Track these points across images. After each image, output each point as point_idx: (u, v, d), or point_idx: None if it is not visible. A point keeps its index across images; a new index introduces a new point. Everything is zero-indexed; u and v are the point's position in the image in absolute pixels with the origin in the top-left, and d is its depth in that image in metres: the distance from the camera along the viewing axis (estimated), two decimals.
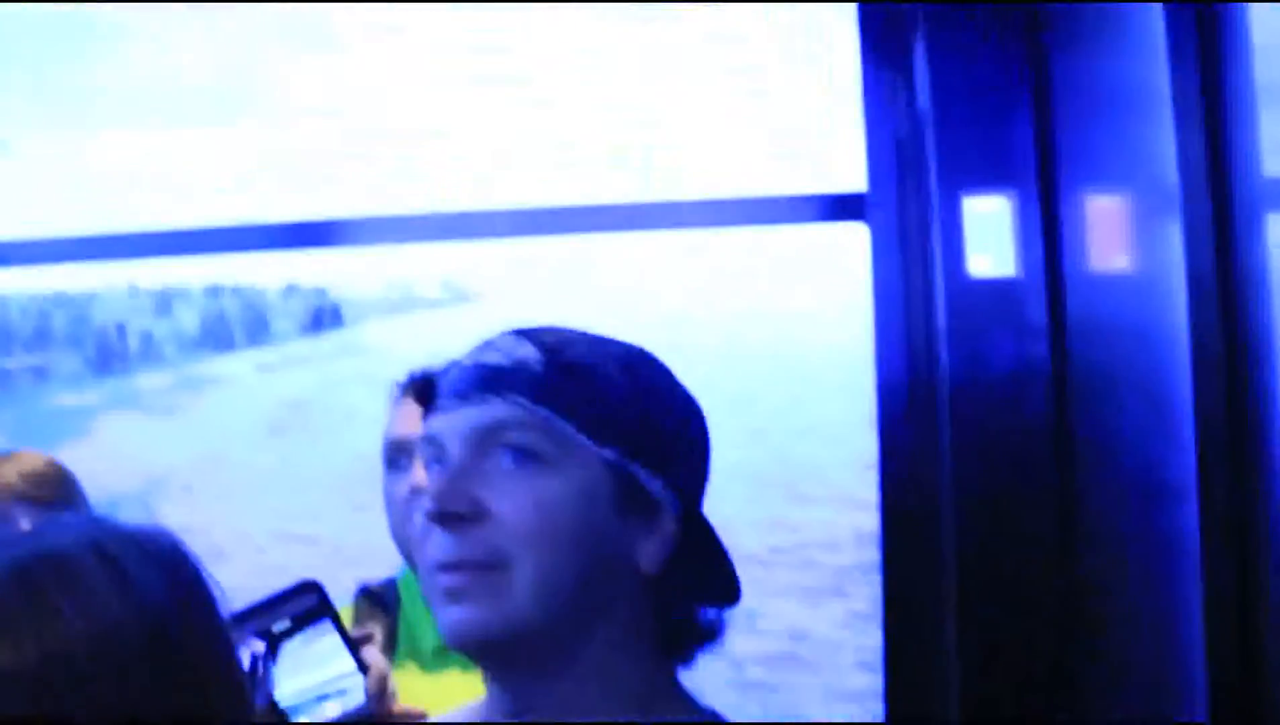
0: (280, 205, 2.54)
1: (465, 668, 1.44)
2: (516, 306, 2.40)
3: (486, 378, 0.89)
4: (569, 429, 0.87)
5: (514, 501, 0.86)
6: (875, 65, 2.30)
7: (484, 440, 0.88)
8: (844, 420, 2.22)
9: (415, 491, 1.44)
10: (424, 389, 0.96)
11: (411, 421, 1.49)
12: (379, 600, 1.63)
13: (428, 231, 2.44)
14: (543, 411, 0.87)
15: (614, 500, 0.88)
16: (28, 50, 2.25)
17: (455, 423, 0.89)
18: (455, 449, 0.89)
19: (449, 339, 1.69)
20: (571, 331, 0.95)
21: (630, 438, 0.89)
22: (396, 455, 1.55)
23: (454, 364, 0.93)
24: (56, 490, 1.76)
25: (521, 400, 0.87)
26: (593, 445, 0.87)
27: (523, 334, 0.92)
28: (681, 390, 0.96)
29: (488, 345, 0.93)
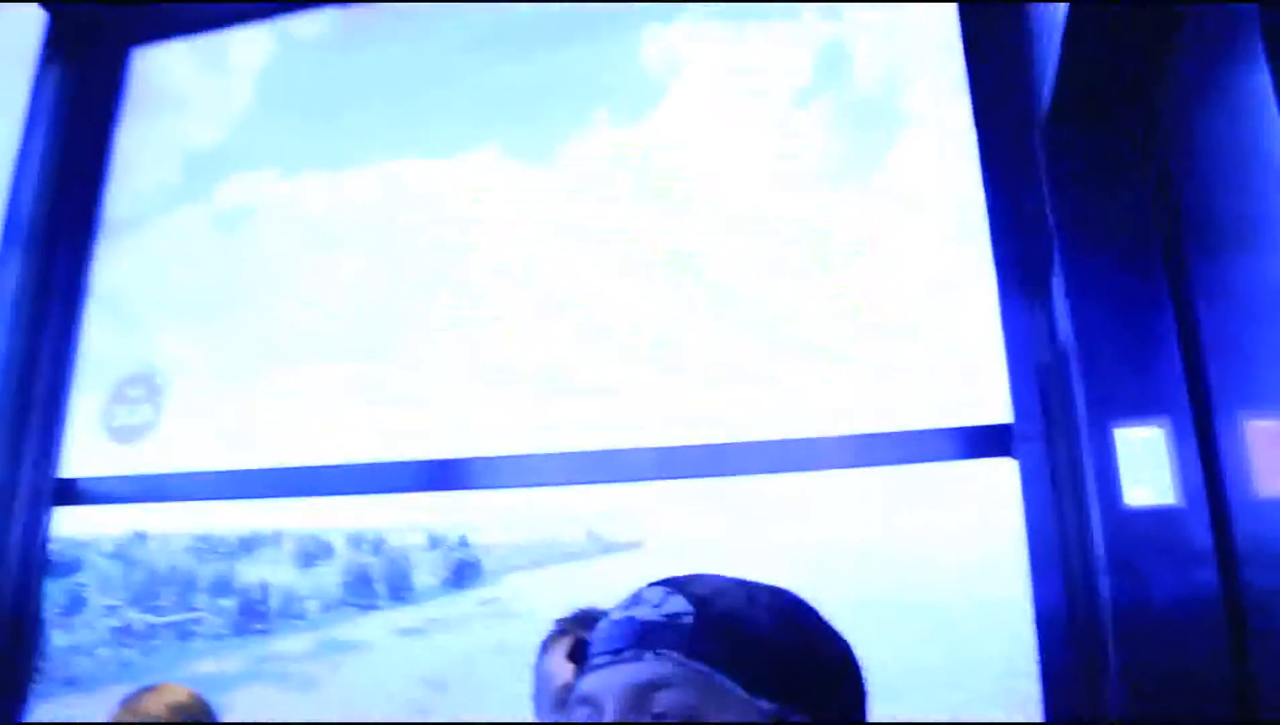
0: (426, 448, 2.66)
1: None
2: (662, 552, 2.39)
3: (639, 633, 0.91)
4: (724, 682, 0.87)
5: None
6: (1013, 298, 2.30)
7: (640, 698, 0.88)
8: (1001, 661, 2.06)
9: None
10: (576, 649, 1.00)
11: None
12: None
13: (574, 471, 2.50)
14: (697, 666, 0.88)
15: None
16: (187, 298, 2.61)
17: (610, 681, 0.90)
18: (611, 707, 0.89)
19: (593, 592, 1.74)
20: (719, 579, 0.96)
21: (784, 686, 0.88)
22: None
23: (605, 618, 0.95)
24: (200, 721, 1.90)
25: (675, 655, 0.88)
26: (748, 697, 0.87)
27: (672, 585, 0.94)
28: (832, 633, 0.97)
29: (637, 598, 0.95)
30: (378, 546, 2.93)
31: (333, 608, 2.82)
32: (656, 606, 0.91)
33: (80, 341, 2.92)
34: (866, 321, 2.43)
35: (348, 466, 2.63)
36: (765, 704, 0.87)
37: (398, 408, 2.66)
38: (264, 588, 2.73)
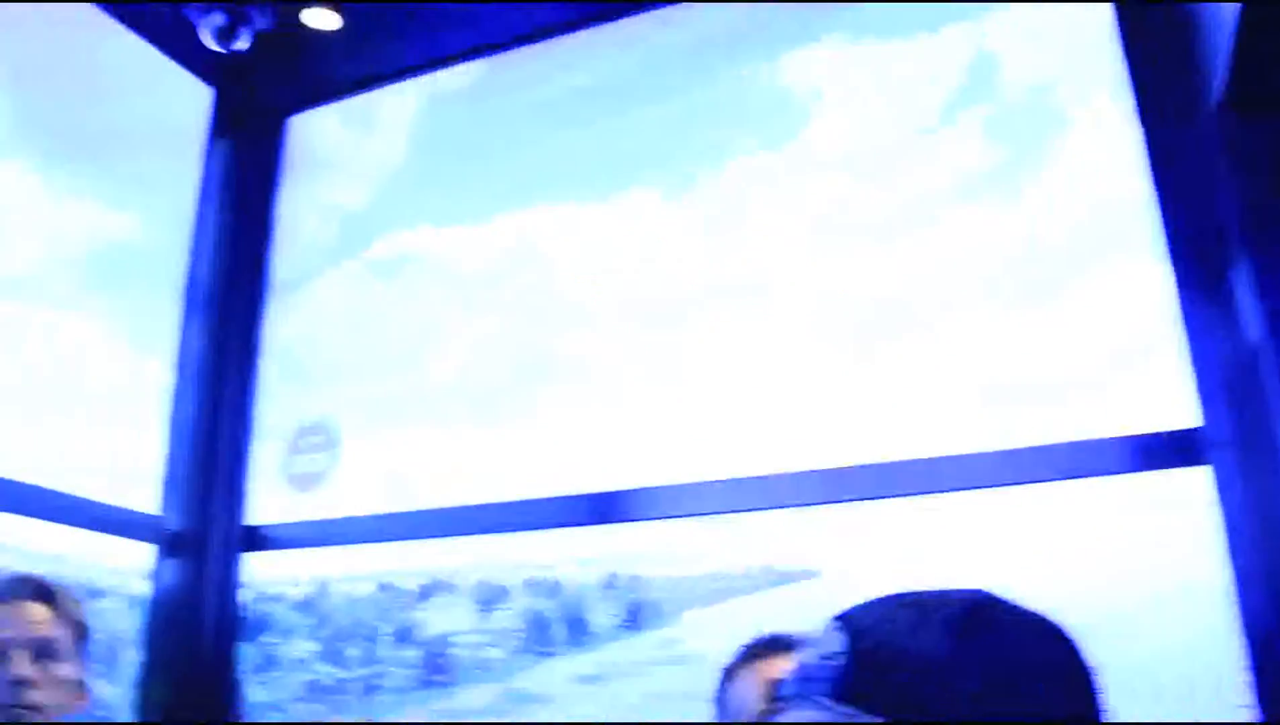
0: (593, 482, 2.69)
1: None
2: (840, 580, 2.37)
3: (800, 680, 0.89)
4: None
5: None
6: (1192, 297, 2.21)
7: None
8: (1206, 677, 1.96)
9: None
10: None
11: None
12: None
13: (743, 497, 2.49)
14: (844, 711, 0.84)
15: None
16: (353, 348, 2.74)
17: None
18: None
19: (770, 625, 1.74)
20: (895, 600, 0.92)
21: (954, 710, 0.82)
22: None
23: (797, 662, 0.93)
24: None
25: (825, 701, 0.86)
26: None
27: (842, 619, 0.91)
28: (1033, 635, 0.89)
29: (813, 639, 0.92)
30: (553, 589, 2.97)
31: (512, 655, 2.86)
32: (819, 647, 0.88)
33: (257, 396, 3.05)
34: (1036, 333, 2.37)
35: (518, 503, 2.68)
36: None
37: (564, 444, 2.71)
38: (444, 639, 2.80)
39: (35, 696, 1.83)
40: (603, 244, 2.88)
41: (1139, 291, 2.29)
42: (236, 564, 2.89)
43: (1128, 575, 2.13)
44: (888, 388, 2.46)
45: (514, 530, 2.71)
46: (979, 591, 0.91)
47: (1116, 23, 2.41)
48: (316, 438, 2.98)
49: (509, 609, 2.67)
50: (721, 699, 1.76)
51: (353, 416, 2.98)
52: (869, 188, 2.62)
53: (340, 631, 2.81)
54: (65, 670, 1.90)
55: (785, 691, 0.89)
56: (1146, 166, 2.31)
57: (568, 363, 2.79)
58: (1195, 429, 2.16)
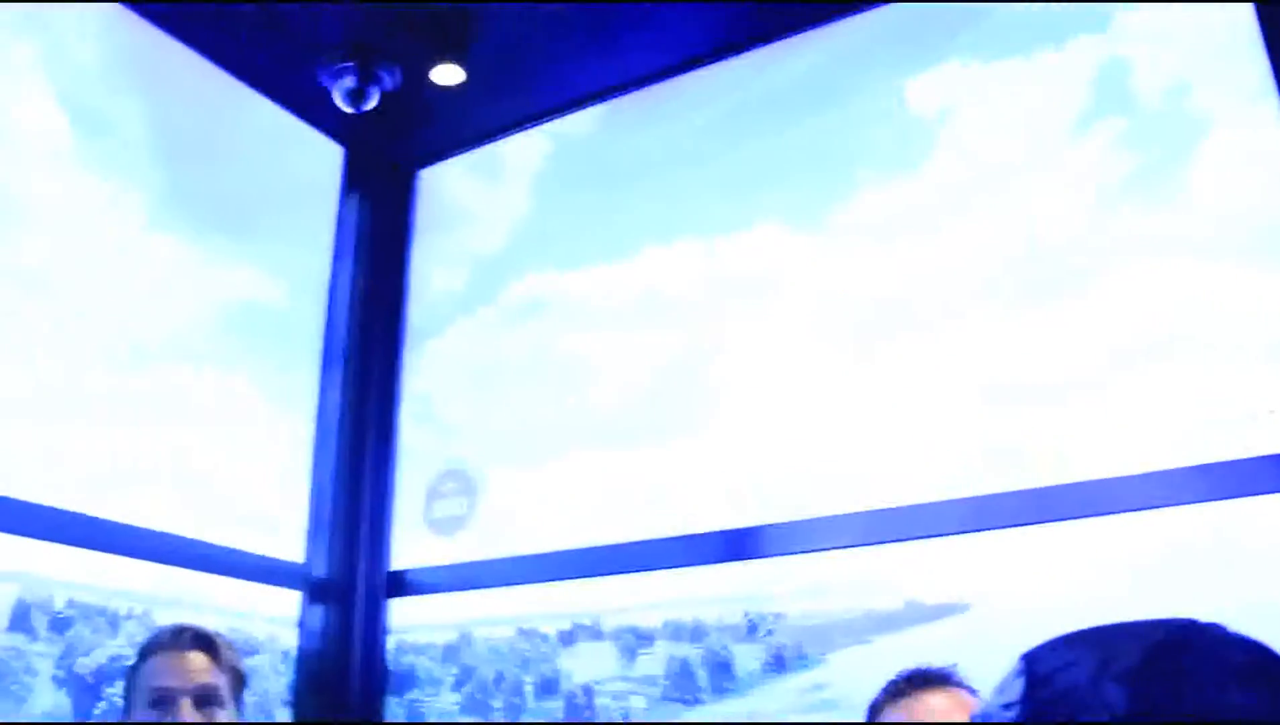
0: (729, 519, 2.67)
1: None
2: (990, 613, 2.29)
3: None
4: None
5: None
6: None
7: None
8: None
9: None
10: None
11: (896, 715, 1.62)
12: None
13: (886, 529, 2.43)
14: None
15: None
16: (488, 394, 2.79)
17: None
18: None
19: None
20: (1085, 640, 0.86)
21: None
22: None
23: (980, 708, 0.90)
24: None
25: None
26: None
27: (1027, 661, 0.87)
28: (1247, 674, 0.79)
29: (1001, 684, 0.88)
30: (696, 633, 2.90)
31: (656, 704, 2.79)
32: (1001, 692, 0.84)
33: (397, 444, 3.13)
34: (1176, 349, 2.26)
35: (656, 541, 2.67)
36: None
37: (702, 480, 2.69)
38: (588, 688, 2.75)
39: None
40: (732, 278, 2.87)
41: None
42: (382, 609, 2.96)
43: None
44: (1038, 413, 2.37)
45: (652, 569, 2.70)
46: (1174, 623, 0.84)
47: (1258, 21, 2.31)
48: (454, 483, 3.03)
49: (651, 653, 2.64)
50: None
51: (491, 461, 3.02)
52: (1001, 210, 2.55)
53: (483, 684, 2.83)
54: (224, 716, 1.97)
55: None
56: None
57: (704, 400, 2.78)
58: None
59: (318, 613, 2.92)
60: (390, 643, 2.97)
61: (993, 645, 1.95)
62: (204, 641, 2.01)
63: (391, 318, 3.31)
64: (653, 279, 2.99)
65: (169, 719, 1.91)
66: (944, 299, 2.56)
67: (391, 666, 2.97)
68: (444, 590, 2.97)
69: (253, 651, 2.78)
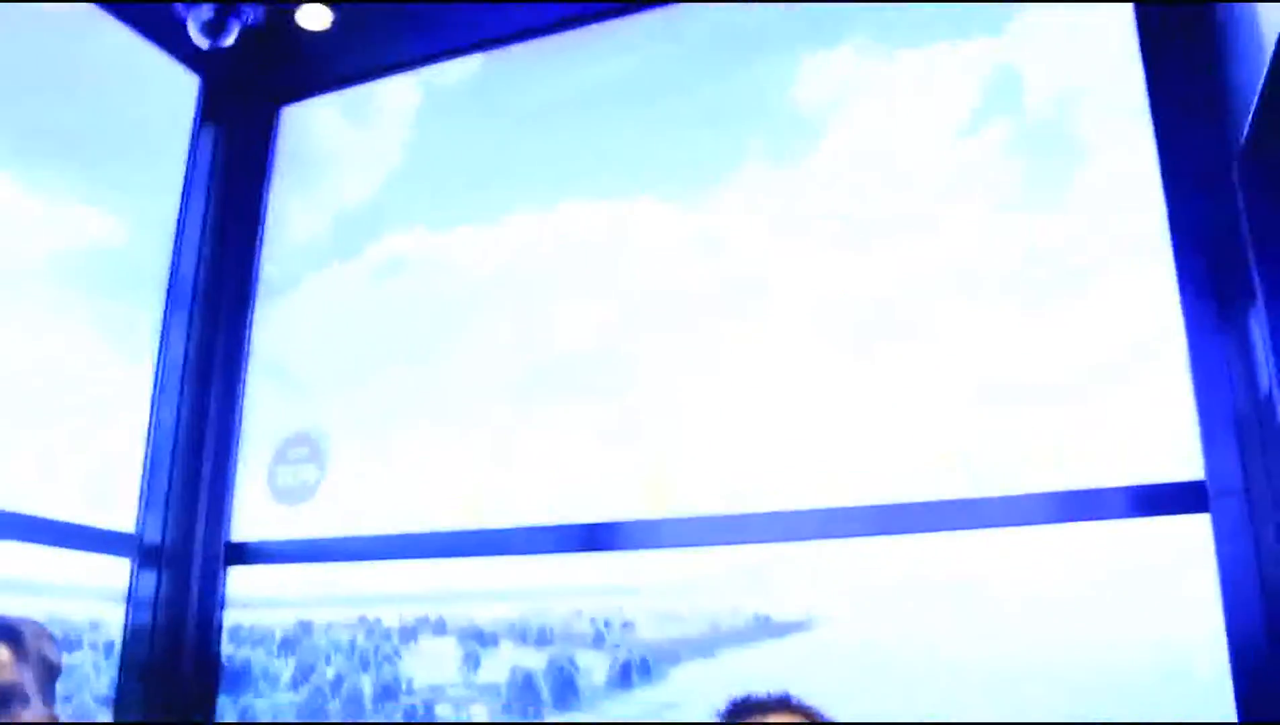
0: (580, 511, 2.66)
1: None
2: (834, 630, 2.32)
3: None
4: None
5: None
6: (1205, 342, 2.15)
7: None
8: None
9: None
10: None
11: None
12: None
13: (732, 531, 2.44)
14: None
15: None
16: (344, 356, 2.67)
17: None
18: None
19: (764, 679, 1.70)
20: None
21: None
22: None
23: None
24: None
25: None
26: None
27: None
28: None
29: None
30: (542, 637, 2.85)
31: (497, 716, 2.76)
32: None
33: (244, 403, 3.00)
34: (1042, 369, 2.30)
35: (507, 530, 2.63)
36: None
37: (560, 467, 2.64)
38: (428, 702, 2.70)
39: None
40: (606, 248, 2.79)
41: (1153, 333, 2.22)
42: (220, 580, 2.85)
43: (1122, 621, 2.09)
44: (879, 423, 2.39)
45: (500, 553, 2.66)
46: None
47: (1139, 36, 2.33)
48: (303, 449, 2.92)
49: (496, 657, 2.61)
50: None
51: (343, 428, 2.92)
52: (885, 200, 2.53)
53: (320, 688, 2.76)
54: (28, 715, 1.85)
55: None
56: (1164, 202, 2.23)
57: (569, 378, 2.71)
58: (1199, 482, 2.10)
59: (149, 582, 2.80)
60: (227, 618, 2.86)
61: (838, 664, 1.99)
62: (7, 633, 1.88)
63: (243, 264, 3.14)
64: (524, 246, 2.89)
65: None
66: (812, 280, 2.54)
67: (226, 661, 2.89)
68: (285, 561, 2.88)
69: (74, 645, 2.66)
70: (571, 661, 2.57)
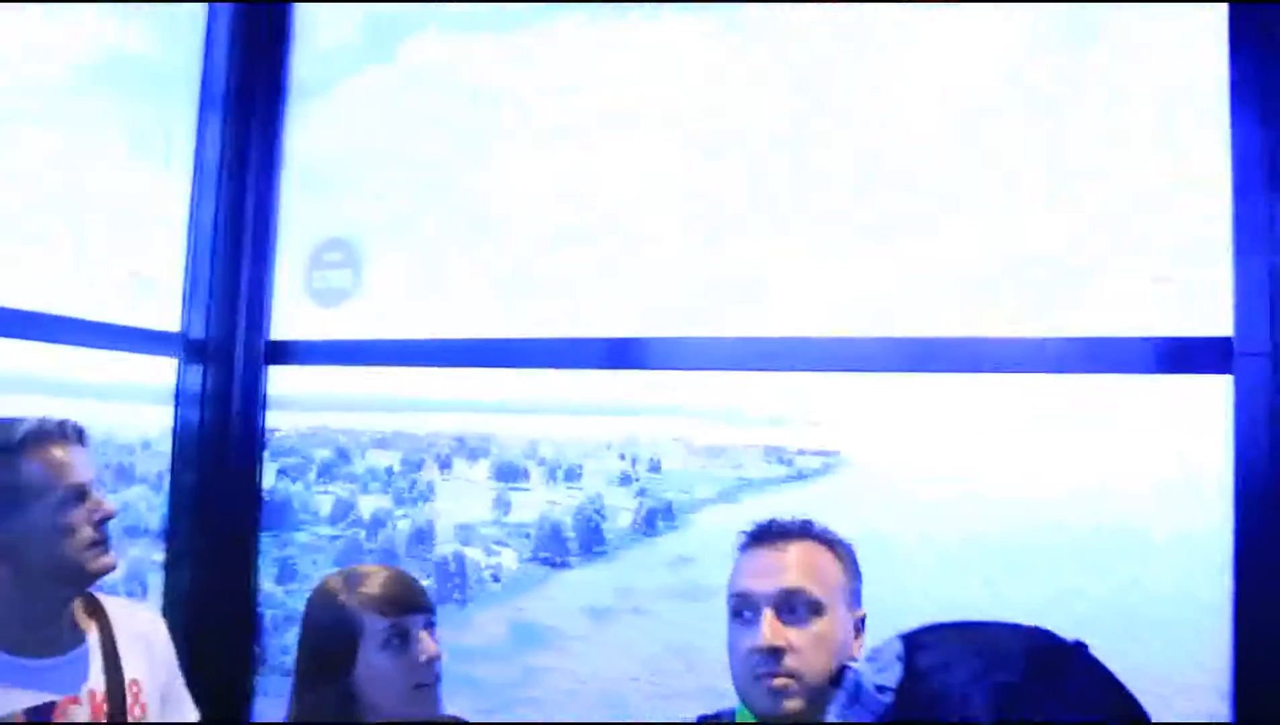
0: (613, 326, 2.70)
1: None
2: (859, 470, 2.38)
3: (850, 695, 0.91)
4: None
5: None
6: (1250, 197, 2.10)
7: None
8: (1192, 612, 1.99)
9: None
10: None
11: (752, 573, 1.64)
12: None
13: (758, 357, 2.47)
14: None
15: None
16: (378, 161, 2.67)
17: None
18: None
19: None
20: (972, 638, 0.91)
21: None
22: (741, 607, 1.62)
23: (847, 668, 0.95)
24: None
25: None
26: None
27: (907, 646, 0.91)
28: (1113, 709, 0.87)
29: (876, 653, 0.93)
30: (571, 474, 2.90)
31: (524, 563, 2.80)
32: (879, 670, 0.90)
33: (279, 206, 3.03)
34: (1078, 216, 2.27)
35: (534, 340, 2.70)
36: None
37: (592, 284, 2.67)
38: (459, 559, 2.77)
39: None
40: (632, 65, 2.71)
41: (1196, 185, 2.17)
42: (261, 376, 2.96)
43: (1133, 473, 2.15)
44: (919, 263, 2.38)
45: (527, 366, 2.73)
46: (1060, 644, 0.90)
47: None
48: (339, 253, 2.98)
49: (527, 492, 2.72)
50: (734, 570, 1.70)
51: (379, 235, 2.95)
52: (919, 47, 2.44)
53: (358, 521, 2.91)
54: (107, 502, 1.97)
55: (839, 700, 0.92)
56: (1227, 50, 2.14)
57: (605, 199, 2.70)
58: (1226, 338, 2.10)
59: (196, 377, 2.92)
60: (269, 422, 2.99)
61: (865, 508, 2.02)
62: (72, 432, 1.93)
63: (275, 66, 3.10)
64: (574, 59, 2.80)
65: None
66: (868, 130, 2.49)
67: (267, 495, 3.03)
68: (323, 361, 2.99)
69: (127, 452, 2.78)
70: (599, 511, 2.68)
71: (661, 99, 2.69)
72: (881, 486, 2.34)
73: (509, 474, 2.80)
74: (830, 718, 0.93)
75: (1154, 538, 2.13)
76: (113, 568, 1.95)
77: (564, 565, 2.69)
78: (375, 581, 1.90)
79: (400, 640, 1.83)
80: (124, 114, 2.84)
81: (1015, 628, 0.93)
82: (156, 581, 2.86)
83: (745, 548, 1.68)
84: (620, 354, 2.66)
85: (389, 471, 2.89)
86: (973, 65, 2.40)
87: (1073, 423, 2.26)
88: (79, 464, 1.91)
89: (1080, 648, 0.90)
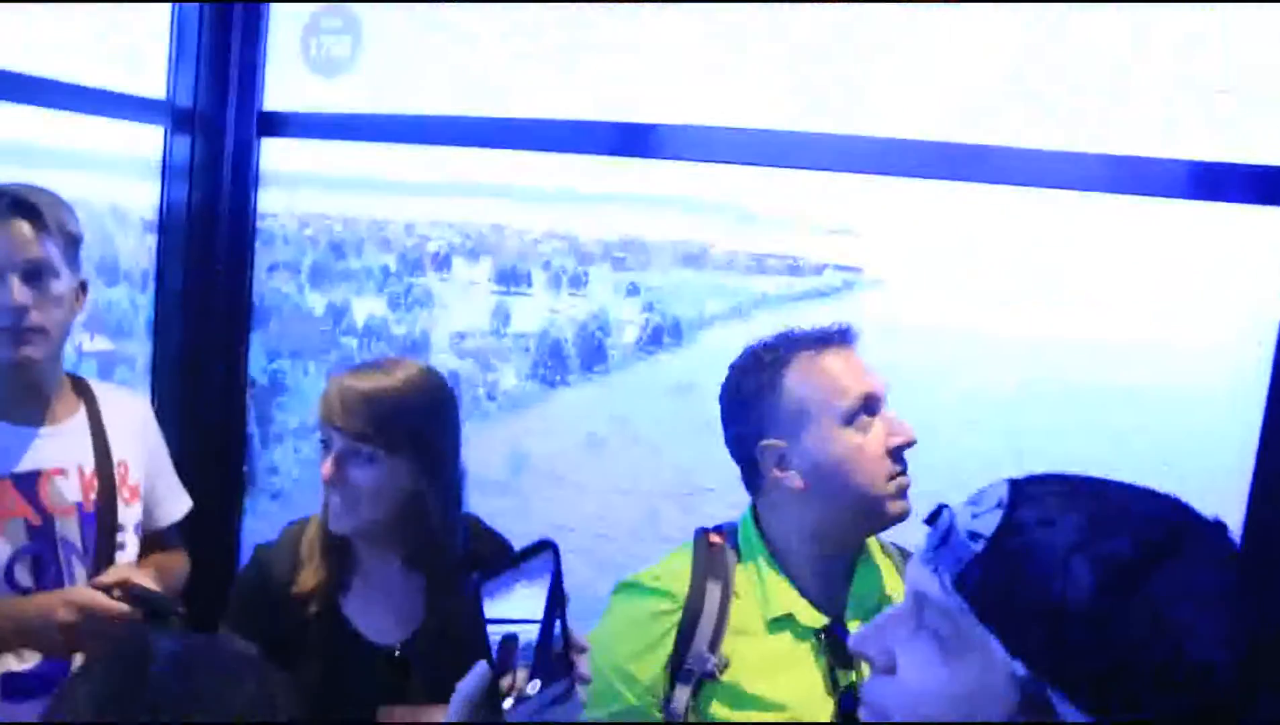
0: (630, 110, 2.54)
1: (797, 637, 1.58)
2: (883, 276, 2.27)
3: (941, 536, 0.86)
4: (979, 635, 0.82)
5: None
6: None
7: (908, 615, 0.89)
8: (1218, 463, 1.93)
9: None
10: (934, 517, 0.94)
11: (857, 373, 1.60)
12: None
13: (778, 152, 2.31)
14: (957, 602, 0.83)
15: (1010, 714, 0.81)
16: None
17: (910, 575, 0.90)
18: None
19: None
20: (1084, 498, 0.82)
21: (1056, 659, 0.78)
22: (863, 409, 1.58)
23: (944, 508, 0.89)
24: None
25: (946, 579, 0.84)
26: (1004, 658, 0.80)
27: (1012, 492, 0.84)
28: (1201, 631, 0.77)
29: (980, 495, 0.87)
30: (575, 280, 2.70)
31: (522, 381, 2.67)
32: (976, 516, 0.84)
33: None
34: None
35: (543, 121, 2.54)
36: (1019, 669, 0.79)
37: (600, 61, 2.48)
38: (454, 375, 2.65)
39: (34, 318, 1.85)
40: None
41: None
42: (254, 150, 2.81)
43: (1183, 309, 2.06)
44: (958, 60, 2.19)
45: (536, 148, 2.58)
46: (1177, 521, 0.81)
47: None
48: (337, 20, 2.76)
49: (529, 298, 2.60)
50: (758, 394, 1.62)
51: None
52: None
53: (351, 327, 2.79)
54: (60, 287, 1.89)
55: (931, 537, 0.88)
56: None
57: None
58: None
59: (183, 149, 2.76)
60: (262, 202, 2.84)
61: (889, 323, 1.94)
62: (25, 208, 1.85)
63: None
64: None
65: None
66: None
67: (257, 301, 2.89)
68: (319, 135, 2.83)
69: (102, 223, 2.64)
70: (602, 327, 2.58)
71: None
72: (905, 312, 2.24)
73: (510, 278, 2.69)
74: (918, 556, 0.89)
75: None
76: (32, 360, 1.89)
77: (563, 384, 2.63)
78: None
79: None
80: None
81: (1143, 491, 0.84)
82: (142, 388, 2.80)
83: (821, 349, 1.61)
84: (636, 140, 2.50)
85: (385, 271, 2.78)
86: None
87: (1116, 252, 2.14)
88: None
89: (1219, 528, 0.82)
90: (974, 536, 0.82)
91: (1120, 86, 2.10)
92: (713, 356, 1.81)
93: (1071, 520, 0.79)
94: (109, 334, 2.82)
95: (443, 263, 2.73)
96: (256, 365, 2.93)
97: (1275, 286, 1.94)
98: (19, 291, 1.84)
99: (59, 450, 1.97)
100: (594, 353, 2.61)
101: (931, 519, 0.88)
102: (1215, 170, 2.03)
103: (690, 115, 2.42)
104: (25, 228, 1.86)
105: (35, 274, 1.86)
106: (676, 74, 2.47)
